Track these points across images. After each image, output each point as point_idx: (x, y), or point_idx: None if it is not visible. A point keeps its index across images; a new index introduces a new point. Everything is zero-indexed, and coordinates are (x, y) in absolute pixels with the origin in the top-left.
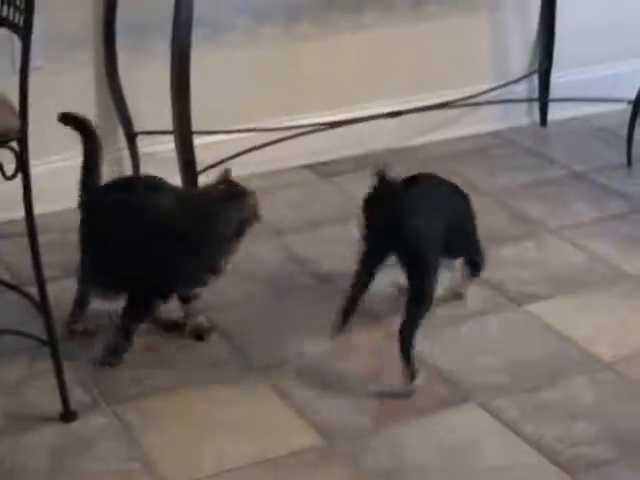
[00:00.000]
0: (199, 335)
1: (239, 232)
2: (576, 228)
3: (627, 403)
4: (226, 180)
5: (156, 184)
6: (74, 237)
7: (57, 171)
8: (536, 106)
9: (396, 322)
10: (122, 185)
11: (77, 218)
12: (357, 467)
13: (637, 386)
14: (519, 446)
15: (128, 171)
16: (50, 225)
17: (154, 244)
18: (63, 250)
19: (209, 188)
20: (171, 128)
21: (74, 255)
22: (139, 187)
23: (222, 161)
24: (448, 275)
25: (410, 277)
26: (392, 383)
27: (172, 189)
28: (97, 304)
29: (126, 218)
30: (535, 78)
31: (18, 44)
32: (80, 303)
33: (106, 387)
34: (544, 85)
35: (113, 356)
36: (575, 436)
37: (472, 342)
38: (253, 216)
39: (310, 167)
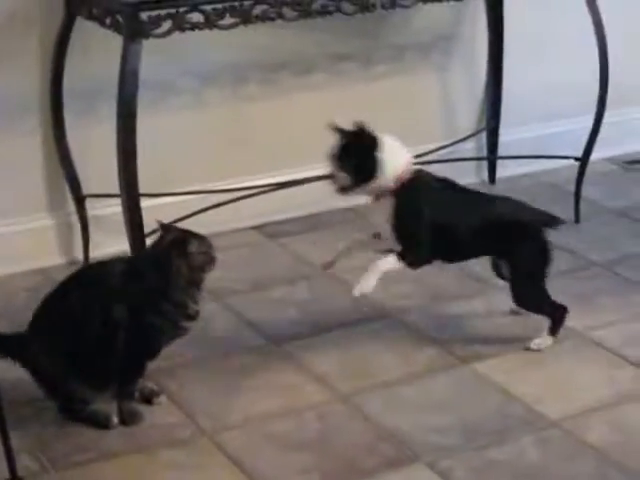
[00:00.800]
0: (147, 399)
1: (194, 277)
2: None
3: (571, 461)
4: (170, 230)
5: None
6: (23, 300)
7: (4, 235)
8: (484, 164)
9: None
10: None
11: (26, 281)
12: None
13: (582, 442)
14: None
15: (77, 234)
16: None
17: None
18: (9, 314)
19: (155, 243)
20: (119, 191)
21: (21, 319)
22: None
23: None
24: None
25: None
26: (341, 443)
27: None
28: None
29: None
30: (483, 136)
31: None
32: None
33: (54, 453)
34: (492, 143)
35: (135, 418)
36: None
37: (420, 401)
38: (205, 260)
39: (258, 228)
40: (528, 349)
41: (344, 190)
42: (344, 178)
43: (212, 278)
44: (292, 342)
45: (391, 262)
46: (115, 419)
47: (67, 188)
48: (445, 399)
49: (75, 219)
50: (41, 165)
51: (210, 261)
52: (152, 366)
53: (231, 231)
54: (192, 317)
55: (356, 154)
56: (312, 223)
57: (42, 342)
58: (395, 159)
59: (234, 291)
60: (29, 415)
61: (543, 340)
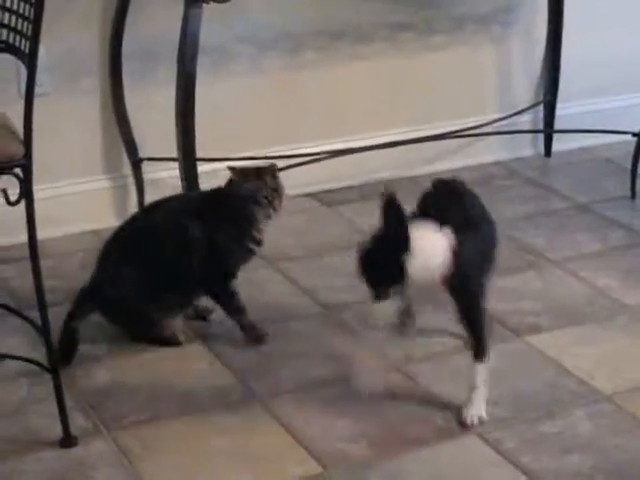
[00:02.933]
0: (202, 316)
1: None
2: (578, 260)
3: (624, 436)
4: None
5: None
6: (78, 262)
7: (60, 197)
8: (541, 137)
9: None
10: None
11: (82, 243)
12: None
13: (634, 419)
14: (517, 477)
15: (132, 197)
16: (55, 250)
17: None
18: (66, 275)
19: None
20: (175, 155)
21: (77, 280)
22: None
23: None
24: None
25: None
26: (392, 411)
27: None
28: None
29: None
30: (540, 109)
31: (24, 70)
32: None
33: (106, 414)
34: (549, 116)
35: (260, 337)
36: (572, 469)
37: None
38: (274, 190)
39: (313, 195)
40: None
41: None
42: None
43: (267, 244)
44: (345, 310)
45: (484, 371)
46: (182, 336)
47: (124, 151)
48: (497, 371)
49: (131, 182)
50: (99, 127)
51: (278, 192)
52: (206, 330)
53: (288, 197)
54: (259, 242)
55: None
56: (368, 191)
57: (116, 271)
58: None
59: (289, 257)
60: (83, 375)
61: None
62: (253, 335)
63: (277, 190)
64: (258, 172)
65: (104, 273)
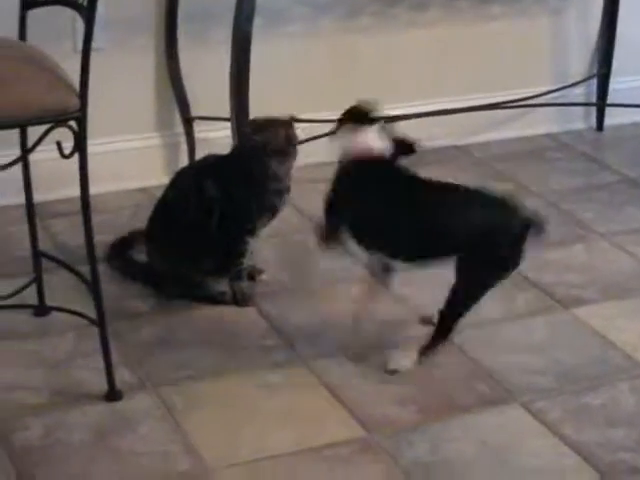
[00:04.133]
0: (251, 276)
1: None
2: (627, 234)
3: None
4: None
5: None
6: (127, 218)
7: (113, 153)
8: (593, 110)
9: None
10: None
11: (131, 200)
12: (395, 461)
13: None
14: (559, 448)
15: (183, 155)
16: (104, 205)
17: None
18: (116, 231)
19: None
20: (228, 115)
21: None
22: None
23: None
24: None
25: None
26: (438, 377)
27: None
28: None
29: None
30: (594, 82)
31: (80, 25)
32: None
33: (152, 369)
34: (602, 90)
35: (246, 298)
36: (615, 442)
37: (518, 342)
38: (288, 140)
39: None
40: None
41: None
42: None
43: (316, 208)
44: (393, 276)
45: None
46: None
47: (176, 109)
48: (543, 342)
49: (182, 140)
50: (152, 85)
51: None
52: (255, 290)
53: (336, 162)
54: (281, 192)
55: None
56: (416, 159)
57: (156, 240)
58: None
59: None
60: (129, 330)
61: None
62: (238, 300)
63: (291, 141)
64: (272, 124)
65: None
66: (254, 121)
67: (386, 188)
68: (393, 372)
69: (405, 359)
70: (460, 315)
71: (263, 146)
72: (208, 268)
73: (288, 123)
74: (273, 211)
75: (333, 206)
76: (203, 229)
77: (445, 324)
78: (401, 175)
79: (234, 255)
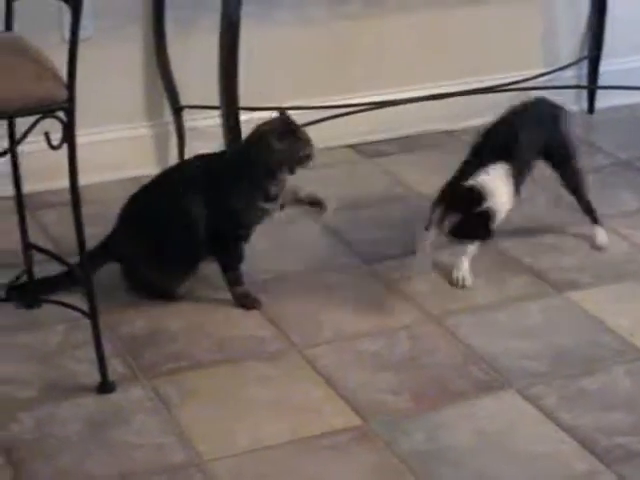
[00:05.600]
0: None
1: (285, 164)
2: (620, 217)
3: None
4: (283, 118)
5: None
6: (116, 209)
7: (102, 143)
8: (584, 93)
9: (433, 304)
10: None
11: (121, 190)
12: (391, 448)
13: None
14: (556, 433)
15: (173, 144)
16: (94, 196)
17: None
18: (106, 222)
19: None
20: (217, 103)
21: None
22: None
23: None
24: None
25: None
26: (432, 364)
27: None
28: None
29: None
30: (584, 65)
31: (68, 14)
32: None
33: (145, 360)
34: (593, 72)
35: (250, 300)
36: (612, 426)
37: (513, 327)
38: (305, 155)
39: (354, 147)
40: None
41: None
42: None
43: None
44: (384, 262)
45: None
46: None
47: (166, 98)
48: (538, 326)
49: (172, 129)
50: (140, 74)
51: (298, 160)
52: (245, 279)
53: (327, 149)
54: (271, 199)
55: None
56: (408, 144)
57: (131, 240)
58: None
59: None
60: (121, 322)
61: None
62: (244, 303)
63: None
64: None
65: (120, 234)
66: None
67: None
68: None
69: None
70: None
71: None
72: (182, 273)
73: (304, 138)
74: (266, 215)
75: None
76: (185, 242)
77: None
78: None
79: (231, 261)
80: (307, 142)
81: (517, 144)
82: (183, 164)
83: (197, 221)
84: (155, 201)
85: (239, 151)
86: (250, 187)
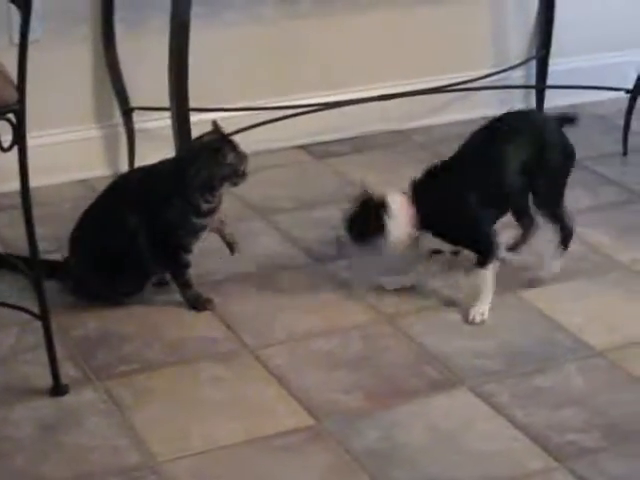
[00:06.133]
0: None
1: (215, 182)
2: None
3: (617, 391)
4: (216, 132)
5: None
6: (68, 211)
7: (52, 145)
8: (533, 93)
9: (386, 304)
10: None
11: (72, 192)
12: (346, 448)
13: (627, 374)
14: (509, 431)
15: (123, 146)
16: (45, 198)
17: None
18: (57, 224)
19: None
20: (167, 104)
21: (67, 228)
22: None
23: None
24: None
25: None
26: (384, 363)
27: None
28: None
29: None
30: (533, 65)
31: (16, 16)
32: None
33: (97, 363)
34: (541, 72)
35: (202, 301)
36: (565, 423)
37: (464, 325)
38: (244, 170)
39: (305, 147)
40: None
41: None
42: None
43: (258, 196)
44: (336, 262)
45: (489, 275)
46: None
47: (115, 99)
48: (489, 325)
49: (122, 131)
50: (90, 75)
51: (240, 174)
52: (197, 280)
53: (278, 149)
54: (204, 214)
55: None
56: (359, 144)
57: (82, 262)
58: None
59: (279, 209)
60: (73, 324)
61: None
62: (196, 305)
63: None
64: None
65: (70, 257)
66: (209, 141)
67: None
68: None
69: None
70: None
71: (211, 172)
72: (127, 290)
73: (241, 155)
74: (201, 231)
75: None
76: (124, 254)
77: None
78: None
79: (176, 268)
80: (245, 157)
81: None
82: (121, 179)
83: (136, 235)
84: (97, 219)
85: (175, 165)
86: (182, 203)
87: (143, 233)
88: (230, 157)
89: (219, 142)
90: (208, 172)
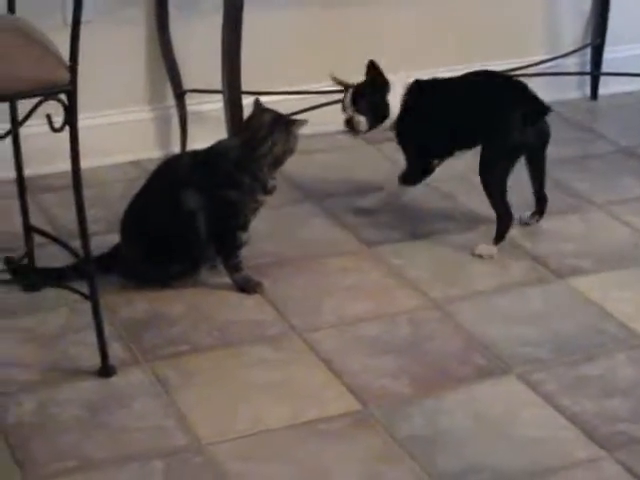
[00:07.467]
0: None
1: (281, 157)
2: (622, 204)
3: None
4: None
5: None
6: (119, 192)
7: (103, 126)
8: (587, 80)
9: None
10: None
11: (123, 173)
12: (391, 433)
13: None
14: (556, 419)
15: (175, 128)
16: (95, 180)
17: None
18: (108, 205)
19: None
20: (220, 87)
21: (117, 210)
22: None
23: None
24: None
25: None
26: (432, 349)
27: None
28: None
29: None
30: (588, 52)
31: None
32: None
33: (145, 344)
34: (596, 59)
35: (253, 284)
36: (613, 412)
37: (513, 313)
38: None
39: None
40: (473, 255)
41: (360, 132)
42: (362, 121)
43: (308, 180)
44: (386, 246)
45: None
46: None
47: (168, 82)
48: (538, 312)
49: (174, 113)
50: (143, 58)
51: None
52: (246, 264)
53: (329, 133)
54: (269, 191)
55: (371, 98)
56: None
57: (134, 246)
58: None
59: (330, 193)
60: (122, 305)
61: (488, 249)
62: (245, 288)
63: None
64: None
65: (121, 241)
66: (275, 115)
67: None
68: (479, 257)
69: (489, 248)
70: (498, 193)
71: (283, 145)
72: (179, 274)
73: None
74: (261, 207)
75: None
76: (179, 236)
77: (497, 209)
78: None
79: (230, 249)
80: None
81: None
82: (173, 160)
83: (194, 216)
84: (151, 201)
85: (242, 142)
86: (250, 180)
87: (203, 213)
88: (292, 134)
89: (286, 117)
90: (282, 147)
